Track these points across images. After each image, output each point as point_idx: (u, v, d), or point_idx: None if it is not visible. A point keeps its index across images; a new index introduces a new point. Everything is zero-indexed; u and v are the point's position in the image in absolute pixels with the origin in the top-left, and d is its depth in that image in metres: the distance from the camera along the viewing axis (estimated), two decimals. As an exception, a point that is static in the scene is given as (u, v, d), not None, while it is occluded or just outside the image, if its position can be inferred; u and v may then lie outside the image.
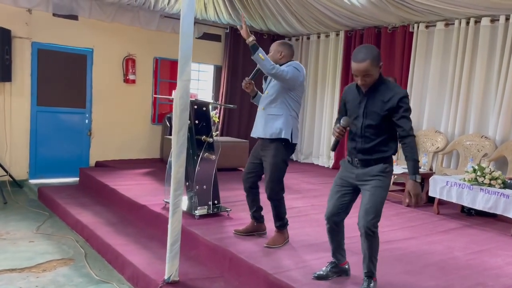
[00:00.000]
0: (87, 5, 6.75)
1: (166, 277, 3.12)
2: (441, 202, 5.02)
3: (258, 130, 3.55)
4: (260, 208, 3.76)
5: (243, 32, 3.30)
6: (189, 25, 2.98)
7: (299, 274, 3.00)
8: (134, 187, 5.33)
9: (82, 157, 7.11)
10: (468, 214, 5.05)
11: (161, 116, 7.83)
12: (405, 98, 2.61)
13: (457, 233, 4.27)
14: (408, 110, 2.62)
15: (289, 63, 3.48)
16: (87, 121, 7.13)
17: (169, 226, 3.09)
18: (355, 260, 3.09)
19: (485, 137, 5.86)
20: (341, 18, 6.98)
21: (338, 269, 3.00)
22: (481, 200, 4.48)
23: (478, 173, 4.55)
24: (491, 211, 4.44)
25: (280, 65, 3.45)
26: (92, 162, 7.18)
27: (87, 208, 5.07)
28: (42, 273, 3.59)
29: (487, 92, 6.00)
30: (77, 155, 7.06)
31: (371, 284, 2.74)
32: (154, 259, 3.62)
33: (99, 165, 7.07)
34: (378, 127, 2.66)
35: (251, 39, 3.25)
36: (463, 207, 5.06)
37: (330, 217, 2.86)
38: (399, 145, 2.71)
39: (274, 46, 3.56)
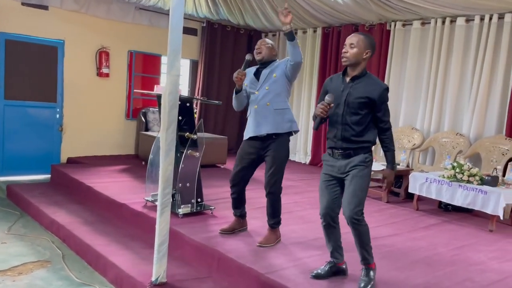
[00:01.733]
0: (58, -6, 6.47)
1: (153, 278, 3.01)
2: (420, 198, 5.11)
3: (265, 127, 3.40)
4: (244, 205, 3.75)
5: (287, 18, 3.11)
6: (179, 18, 2.88)
7: (292, 273, 2.96)
8: (112, 185, 5.16)
9: (53, 153, 6.83)
10: (446, 209, 5.16)
11: (135, 111, 7.63)
12: (386, 91, 2.75)
13: (438, 229, 4.35)
14: (387, 101, 2.79)
15: (285, 59, 3.45)
16: (58, 115, 6.84)
17: (156, 226, 2.98)
18: (350, 259, 3.07)
19: (460, 134, 6.01)
20: (321, 14, 6.98)
21: (336, 269, 2.98)
22: (459, 197, 4.58)
23: (457, 170, 4.64)
24: (469, 207, 4.54)
25: (270, 62, 3.49)
26: (63, 159, 6.91)
27: (62, 207, 4.86)
28: (18, 276, 3.40)
29: (461, 90, 6.15)
30: (48, 151, 6.77)
31: (371, 273, 2.76)
32: (138, 260, 3.50)
33: (71, 161, 6.82)
34: (359, 115, 2.74)
35: (289, 27, 3.15)
36: (440, 202, 5.17)
37: (325, 213, 2.85)
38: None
39: (271, 43, 3.56)
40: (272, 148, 3.41)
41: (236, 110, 3.70)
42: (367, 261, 2.79)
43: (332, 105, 2.72)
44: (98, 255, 3.63)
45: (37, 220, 4.77)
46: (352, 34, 2.79)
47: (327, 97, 2.72)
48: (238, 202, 3.67)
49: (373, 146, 2.90)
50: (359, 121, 2.73)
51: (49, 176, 6.29)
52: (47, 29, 6.54)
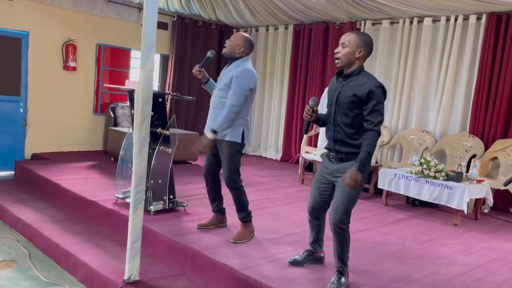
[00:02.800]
0: (23, -16, 6.23)
1: (126, 277, 2.97)
2: (388, 194, 5.24)
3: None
4: (222, 200, 3.75)
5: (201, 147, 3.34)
6: (153, 12, 2.83)
7: (266, 269, 2.97)
8: (80, 182, 5.02)
9: (17, 149, 6.57)
10: (413, 204, 5.31)
11: (104, 106, 7.44)
12: (376, 89, 2.52)
13: (406, 224, 4.48)
14: (380, 103, 2.54)
15: (240, 69, 3.34)
16: (22, 110, 6.59)
17: (129, 223, 2.93)
18: (330, 249, 3.13)
19: (426, 131, 6.19)
20: (293, 12, 7.02)
21: (313, 257, 3.05)
22: (426, 192, 4.73)
23: (424, 166, 4.79)
24: (436, 202, 4.70)
25: (236, 58, 3.41)
26: (28, 155, 6.67)
27: (27, 205, 4.70)
28: (-18, 277, 3.27)
29: (428, 89, 6.34)
30: (11, 147, 6.52)
31: (342, 280, 2.77)
32: (108, 258, 3.44)
33: (36, 157, 6.59)
34: (349, 116, 2.62)
35: (208, 136, 3.26)
36: (407, 198, 5.32)
37: (311, 211, 2.90)
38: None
39: (238, 39, 3.43)
40: (222, 147, 3.44)
41: None
42: (342, 270, 2.79)
43: (316, 108, 2.73)
44: (67, 254, 3.54)
45: (1, 219, 4.59)
46: (346, 33, 2.68)
47: (310, 101, 2.74)
48: (213, 195, 3.67)
49: None
50: (350, 122, 2.62)
51: (13, 172, 6.07)
52: (11, 20, 6.27)
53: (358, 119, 2.61)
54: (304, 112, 2.73)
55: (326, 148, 2.85)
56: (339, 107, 2.66)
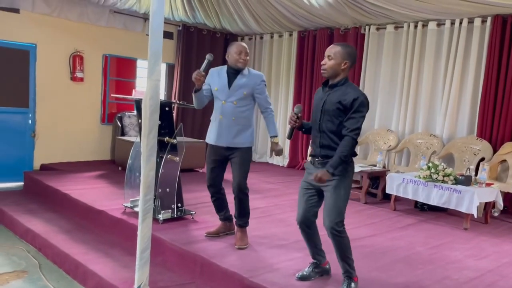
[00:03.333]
0: (30, -3, 6.32)
1: (135, 286, 2.96)
2: (397, 199, 5.22)
3: (227, 139, 3.50)
4: (228, 208, 3.77)
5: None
6: (159, 21, 2.84)
7: (275, 276, 2.97)
8: (89, 192, 5.05)
9: (26, 160, 6.64)
10: (421, 209, 5.28)
11: (111, 115, 7.50)
12: (359, 100, 2.63)
13: (415, 229, 4.45)
14: (359, 112, 2.64)
15: (259, 80, 3.55)
16: (30, 121, 6.66)
17: (138, 232, 2.93)
18: (334, 259, 3.10)
19: (434, 135, 6.17)
20: (297, 18, 7.05)
21: (320, 269, 3.02)
22: (435, 196, 4.70)
23: (432, 170, 4.76)
24: (445, 206, 4.67)
25: (243, 69, 3.49)
26: (36, 165, 6.73)
27: (37, 215, 4.73)
28: (-7, 288, 3.29)
29: (434, 92, 6.32)
30: (20, 158, 6.58)
31: (352, 285, 2.76)
32: (118, 267, 3.45)
33: (45, 168, 6.64)
34: (334, 123, 2.71)
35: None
36: (416, 202, 5.29)
37: (301, 221, 2.90)
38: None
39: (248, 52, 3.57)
40: (236, 156, 3.50)
41: (196, 108, 3.71)
42: (349, 274, 2.79)
43: (300, 115, 2.85)
44: (77, 264, 3.55)
45: (10, 229, 4.63)
46: (331, 46, 2.79)
47: (295, 108, 2.86)
48: (219, 205, 3.69)
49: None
50: (335, 130, 2.71)
51: (22, 183, 6.12)
52: (18, 33, 6.37)
53: (342, 126, 2.71)
54: (289, 118, 2.87)
55: (310, 155, 2.90)
56: (324, 114, 2.76)
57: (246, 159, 3.55)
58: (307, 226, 2.90)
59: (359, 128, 2.64)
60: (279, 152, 3.61)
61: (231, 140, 3.49)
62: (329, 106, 2.72)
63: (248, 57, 3.52)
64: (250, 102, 3.54)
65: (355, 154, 2.78)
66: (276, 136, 3.60)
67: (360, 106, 2.64)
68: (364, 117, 2.67)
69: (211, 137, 3.59)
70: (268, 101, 3.63)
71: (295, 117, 2.83)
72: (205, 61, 3.40)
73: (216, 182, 3.64)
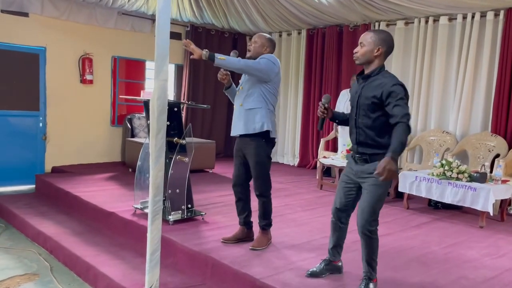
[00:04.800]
0: (39, 1, 6.34)
1: (146, 288, 2.94)
2: (409, 197, 5.13)
3: (238, 127, 3.40)
4: (251, 213, 3.61)
5: (195, 55, 3.18)
6: (166, 21, 2.81)
7: (287, 277, 2.92)
8: (99, 193, 5.05)
9: (37, 163, 6.68)
10: (435, 207, 5.18)
11: (121, 117, 7.51)
12: (396, 88, 2.48)
13: (429, 227, 4.36)
14: (402, 99, 2.47)
15: (264, 55, 3.36)
16: (41, 124, 6.70)
17: (148, 234, 2.90)
18: (347, 259, 3.05)
19: (446, 132, 6.06)
20: (306, 16, 6.99)
21: (332, 267, 2.97)
22: (449, 194, 4.61)
23: (446, 168, 4.67)
24: (459, 204, 4.57)
25: (257, 57, 3.35)
26: (48, 168, 6.76)
27: (48, 218, 4.74)
28: (5, 291, 3.30)
29: (446, 88, 6.21)
30: (32, 161, 6.63)
31: (370, 285, 2.70)
32: (129, 270, 3.43)
33: (56, 170, 6.67)
34: (370, 119, 2.58)
35: (204, 52, 3.13)
36: (430, 200, 5.20)
37: (335, 212, 2.85)
38: None
39: (262, 40, 3.41)
40: (249, 152, 3.37)
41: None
42: (370, 275, 2.72)
43: (327, 105, 2.77)
44: (88, 266, 3.54)
45: (22, 232, 4.64)
46: (365, 32, 2.69)
47: (323, 98, 2.78)
48: (239, 206, 3.56)
49: None
50: (372, 125, 2.58)
51: (34, 186, 6.15)
52: (28, 37, 6.41)
53: (379, 121, 2.57)
54: (318, 110, 2.80)
55: (350, 149, 2.83)
56: (359, 109, 2.65)
57: (259, 155, 3.34)
58: (339, 218, 2.84)
59: (409, 114, 2.46)
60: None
61: (241, 126, 3.34)
62: (364, 100, 2.59)
63: (255, 44, 3.39)
64: (256, 81, 3.30)
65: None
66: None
67: (401, 93, 2.48)
68: (407, 104, 2.50)
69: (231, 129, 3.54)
70: (250, 60, 3.29)
71: (323, 107, 2.75)
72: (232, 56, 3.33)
73: (238, 181, 3.50)
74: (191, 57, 3.23)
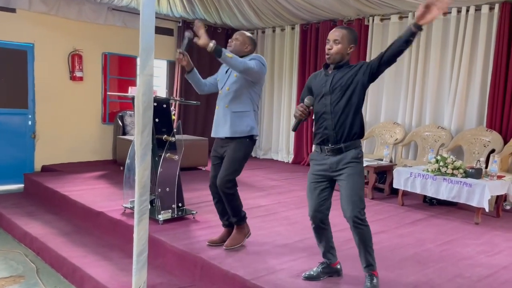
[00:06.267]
0: (26, -4, 6.21)
1: (133, 291, 2.85)
2: (404, 193, 5.06)
3: (224, 129, 3.28)
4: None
5: (202, 40, 3.03)
6: (150, 15, 2.73)
7: (279, 278, 2.84)
8: (88, 192, 4.95)
9: (26, 162, 6.55)
10: (430, 203, 5.12)
11: (112, 115, 7.40)
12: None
13: (424, 224, 4.29)
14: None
15: (252, 55, 3.30)
16: (30, 122, 6.57)
17: (134, 235, 2.81)
18: (344, 258, 2.97)
19: (441, 127, 5.99)
20: (300, 11, 6.89)
21: (330, 270, 2.88)
22: (444, 190, 4.53)
23: (441, 163, 4.60)
24: (454, 200, 4.50)
25: (241, 57, 3.25)
26: (37, 167, 6.64)
27: (36, 218, 4.64)
28: (-12, 294, 3.20)
29: (441, 83, 6.14)
30: (20, 160, 6.50)
31: (374, 281, 2.64)
32: (117, 271, 3.34)
33: (46, 169, 6.55)
34: (344, 101, 2.61)
35: (211, 44, 3.00)
36: (425, 197, 5.13)
37: (314, 215, 2.74)
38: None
39: (244, 38, 3.33)
40: (230, 148, 3.26)
41: (199, 94, 3.56)
42: (371, 268, 2.66)
43: (312, 107, 2.70)
44: (74, 268, 3.44)
45: (9, 233, 4.54)
46: (334, 29, 2.69)
47: (306, 100, 2.69)
48: (220, 208, 3.44)
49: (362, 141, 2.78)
50: (345, 107, 2.60)
51: (22, 185, 6.04)
52: (15, 33, 6.27)
53: (351, 101, 2.61)
54: (299, 111, 2.67)
55: (317, 143, 2.74)
56: (333, 93, 2.64)
57: (240, 150, 3.23)
58: (321, 221, 2.75)
59: None
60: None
61: (227, 129, 3.24)
62: (337, 82, 2.63)
63: (236, 41, 3.29)
64: (245, 84, 3.23)
65: (363, 135, 2.70)
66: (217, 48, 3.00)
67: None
68: None
69: (212, 130, 3.41)
70: (249, 62, 3.16)
71: (307, 110, 2.68)
72: (185, 40, 3.17)
73: (215, 182, 3.36)
74: (195, 40, 3.05)
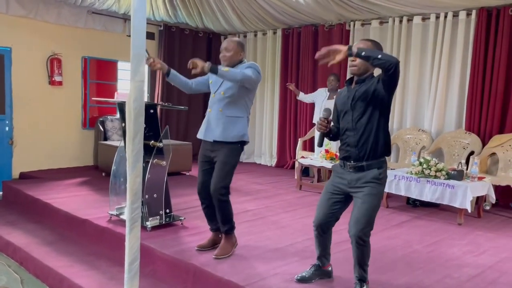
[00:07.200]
0: (3, -1, 6.06)
1: (125, 300, 2.80)
2: (388, 195, 5.14)
3: (215, 132, 3.27)
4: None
5: (199, 69, 3.03)
6: (142, 21, 2.67)
7: (272, 283, 2.84)
8: (71, 200, 4.85)
9: (4, 169, 6.37)
10: (414, 205, 5.21)
11: (92, 120, 7.27)
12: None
13: (410, 226, 4.37)
14: None
15: (248, 63, 3.28)
16: (7, 128, 6.39)
17: (126, 243, 2.76)
18: (335, 261, 2.99)
19: (422, 130, 6.12)
20: (282, 15, 6.93)
21: (321, 272, 2.91)
22: (428, 192, 4.63)
23: (424, 166, 4.70)
24: (438, 202, 4.60)
25: (234, 65, 3.27)
26: (15, 174, 6.47)
27: (17, 227, 4.50)
28: (-29, 308, 3.09)
29: (421, 87, 6.28)
30: (-3, 167, 6.32)
31: (364, 287, 2.67)
32: (105, 280, 3.27)
33: (25, 176, 6.38)
34: (366, 117, 2.55)
35: (207, 65, 3.01)
36: (408, 198, 5.23)
37: (318, 225, 2.75)
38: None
39: (234, 47, 3.28)
40: (222, 154, 3.24)
41: (188, 93, 3.59)
42: (363, 278, 2.68)
43: (330, 118, 2.67)
44: (61, 278, 3.36)
45: (-11, 243, 4.39)
46: (361, 40, 2.63)
47: (323, 112, 2.68)
48: (208, 213, 3.42)
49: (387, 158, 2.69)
50: (368, 123, 2.54)
51: (0, 193, 5.86)
52: (-8, 36, 6.11)
53: (373, 117, 2.54)
54: (318, 125, 2.66)
55: (341, 158, 2.71)
56: (354, 110, 2.60)
57: (231, 157, 3.25)
58: (324, 231, 2.77)
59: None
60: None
61: (218, 133, 3.23)
62: (359, 99, 2.57)
63: (229, 53, 3.26)
64: (241, 90, 3.22)
65: (389, 153, 2.64)
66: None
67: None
68: None
69: (200, 131, 3.38)
70: (245, 71, 3.16)
71: (325, 122, 2.64)
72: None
73: (204, 187, 3.35)
74: (193, 72, 3.08)
